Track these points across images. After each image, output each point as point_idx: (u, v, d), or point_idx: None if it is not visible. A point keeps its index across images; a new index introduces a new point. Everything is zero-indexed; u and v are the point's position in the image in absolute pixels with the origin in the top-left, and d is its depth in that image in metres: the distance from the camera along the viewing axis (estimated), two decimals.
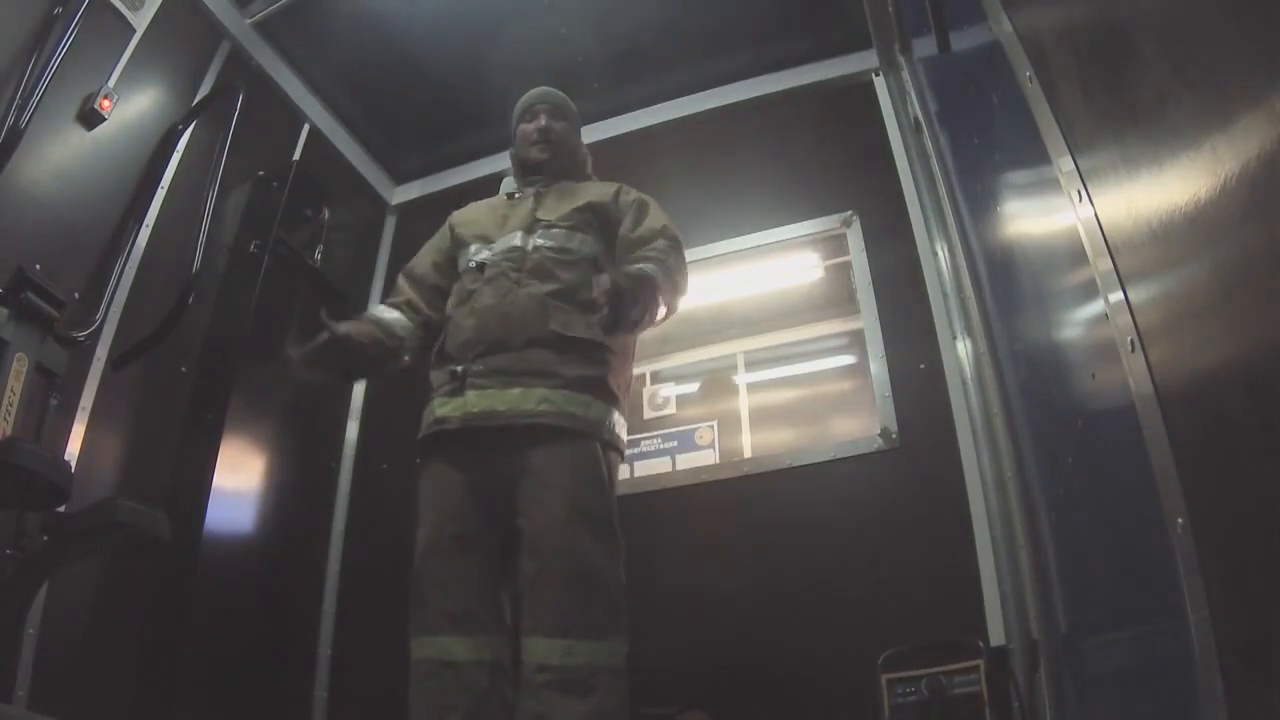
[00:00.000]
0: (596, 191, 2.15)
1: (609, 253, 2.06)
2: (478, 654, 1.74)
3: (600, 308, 1.70)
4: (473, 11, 3.02)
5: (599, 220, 2.08)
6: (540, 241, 2.01)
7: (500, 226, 2.10)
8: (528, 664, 1.68)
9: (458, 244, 2.15)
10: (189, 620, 2.33)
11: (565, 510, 1.75)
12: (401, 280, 2.18)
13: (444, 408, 1.90)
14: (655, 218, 2.11)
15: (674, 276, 1.97)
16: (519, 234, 2.04)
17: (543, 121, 2.23)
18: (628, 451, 2.05)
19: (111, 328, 2.37)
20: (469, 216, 2.22)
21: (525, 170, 2.25)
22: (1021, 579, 1.95)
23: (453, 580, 1.79)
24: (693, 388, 3.97)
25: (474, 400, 1.85)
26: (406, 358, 2.06)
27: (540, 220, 2.06)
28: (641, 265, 1.91)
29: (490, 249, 2.05)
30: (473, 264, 2.04)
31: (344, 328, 1.92)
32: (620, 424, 1.95)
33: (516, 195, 2.20)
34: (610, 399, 1.91)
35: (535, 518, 1.76)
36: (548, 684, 1.64)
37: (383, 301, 2.21)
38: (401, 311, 2.09)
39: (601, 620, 1.70)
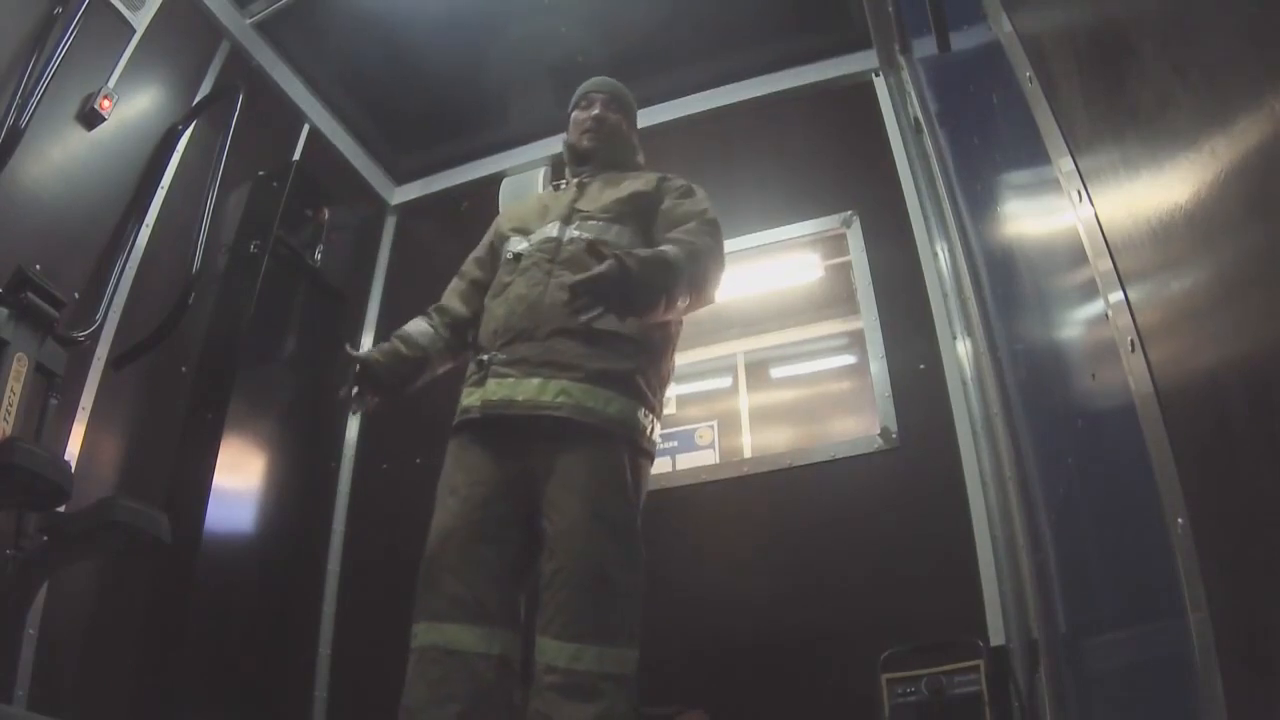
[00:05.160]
0: (640, 182, 2.10)
1: (650, 244, 1.99)
2: (485, 646, 1.70)
3: (578, 283, 1.66)
4: (473, 11, 3.02)
5: (640, 211, 2.03)
6: (577, 233, 1.99)
7: (541, 217, 2.09)
8: (538, 663, 1.67)
9: (500, 237, 2.16)
10: (189, 620, 2.33)
11: (584, 513, 1.72)
12: (454, 280, 2.21)
13: (469, 397, 1.90)
14: (697, 201, 2.05)
15: (702, 261, 1.86)
16: (556, 224, 2.03)
17: (597, 110, 2.22)
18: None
19: (111, 328, 2.37)
20: (514, 209, 2.24)
21: (574, 158, 2.24)
22: (1021, 579, 1.95)
23: (466, 568, 1.75)
24: (693, 388, 3.97)
25: (493, 389, 1.84)
26: (441, 362, 2.08)
27: (579, 211, 2.04)
28: (664, 248, 1.84)
29: (528, 240, 2.05)
30: (510, 255, 2.04)
31: (361, 352, 1.99)
32: (651, 422, 1.88)
33: (562, 186, 2.20)
34: (637, 395, 1.85)
35: (555, 519, 1.74)
36: (552, 686, 1.62)
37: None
38: (427, 319, 2.11)
39: (613, 627, 1.67)
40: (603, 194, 2.08)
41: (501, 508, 1.81)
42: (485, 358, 1.89)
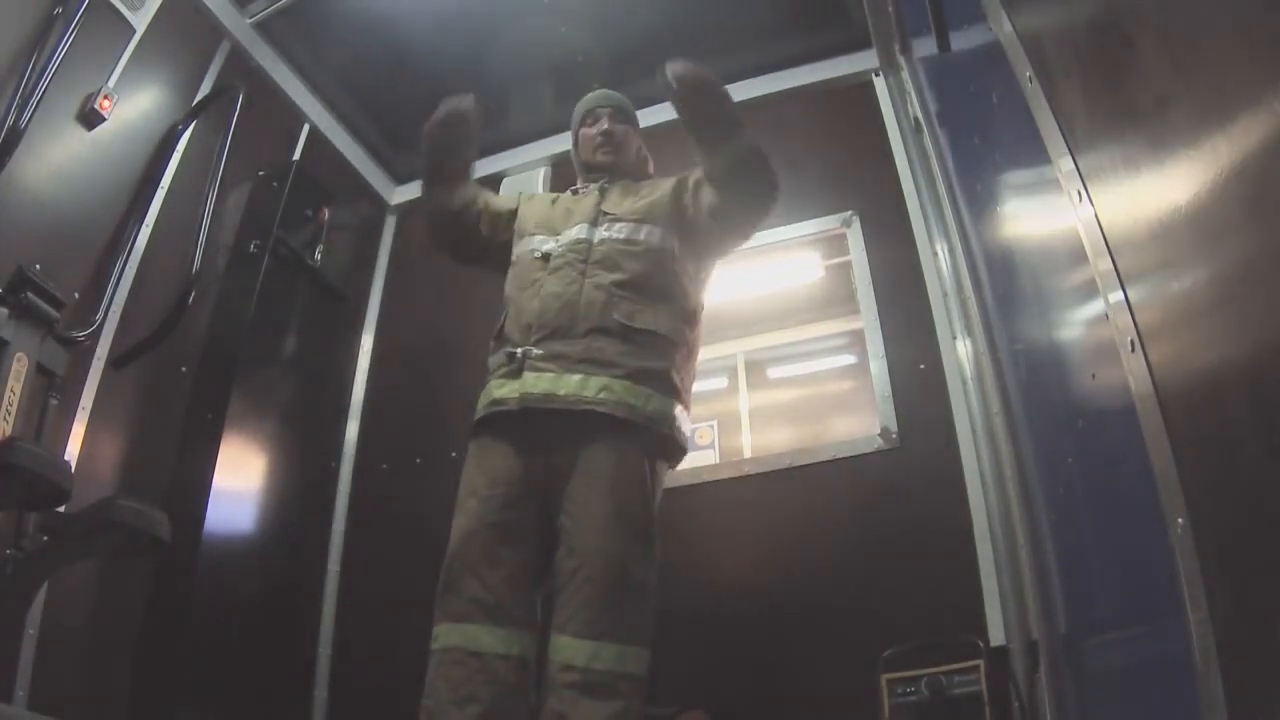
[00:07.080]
0: (662, 186, 2.16)
1: (681, 244, 2.06)
2: (506, 647, 1.71)
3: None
4: (472, 11, 3.02)
5: (668, 213, 2.08)
6: (606, 234, 2.02)
7: (565, 219, 2.11)
8: (554, 661, 1.67)
9: (519, 230, 2.18)
10: (189, 620, 2.33)
11: (607, 510, 1.73)
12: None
13: (501, 389, 1.89)
14: None
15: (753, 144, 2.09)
16: (584, 226, 2.05)
17: (605, 125, 2.26)
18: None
19: (111, 328, 2.37)
20: (534, 207, 2.25)
21: (590, 172, 2.27)
22: (1021, 579, 1.95)
23: (486, 569, 1.76)
24: (693, 387, 3.95)
25: (532, 382, 1.84)
26: (460, 190, 2.25)
27: (607, 214, 2.07)
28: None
29: (556, 240, 2.06)
30: (538, 254, 2.05)
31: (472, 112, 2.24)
32: (683, 419, 1.93)
33: (581, 190, 2.22)
34: (673, 393, 1.89)
35: (577, 516, 1.75)
36: (570, 684, 1.62)
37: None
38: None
39: (631, 625, 1.69)
40: (625, 198, 2.12)
41: (521, 508, 1.81)
42: (518, 351, 1.89)
